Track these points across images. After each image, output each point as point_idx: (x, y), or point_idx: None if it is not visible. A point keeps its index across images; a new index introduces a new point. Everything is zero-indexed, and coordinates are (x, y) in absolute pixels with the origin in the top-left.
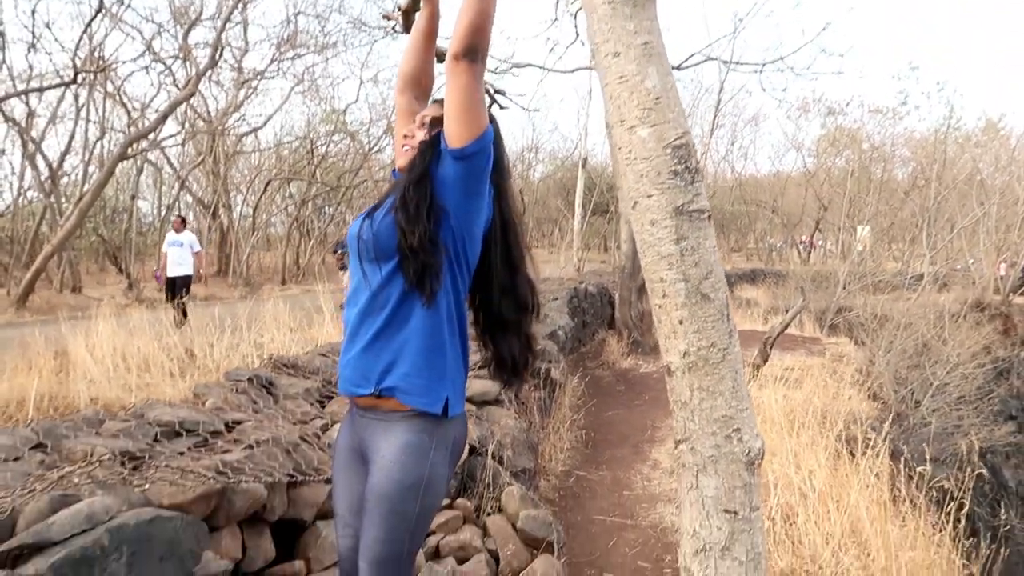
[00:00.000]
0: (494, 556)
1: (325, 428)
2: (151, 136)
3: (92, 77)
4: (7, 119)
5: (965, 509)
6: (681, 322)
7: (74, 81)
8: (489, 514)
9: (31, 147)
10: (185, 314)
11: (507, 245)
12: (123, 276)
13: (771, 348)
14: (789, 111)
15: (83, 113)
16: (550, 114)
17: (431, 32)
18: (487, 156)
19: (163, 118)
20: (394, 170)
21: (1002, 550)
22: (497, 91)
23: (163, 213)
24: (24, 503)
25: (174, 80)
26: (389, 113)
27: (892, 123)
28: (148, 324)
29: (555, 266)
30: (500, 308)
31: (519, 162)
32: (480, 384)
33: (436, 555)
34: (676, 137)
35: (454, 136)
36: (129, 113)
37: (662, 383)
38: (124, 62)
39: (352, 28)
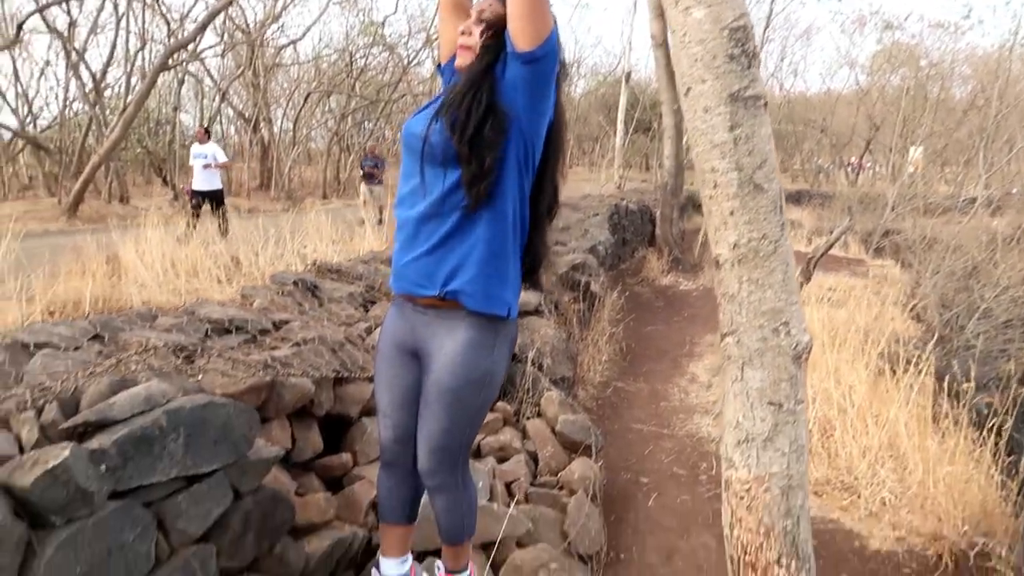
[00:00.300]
0: (533, 457)
1: (369, 331)
2: (190, 47)
3: None
4: (50, 28)
5: (1007, 426)
6: (732, 213)
7: None
8: (528, 418)
9: (74, 57)
10: (226, 231)
11: (557, 148)
12: (168, 188)
13: (814, 268)
14: (844, 25)
15: (123, 23)
16: (593, 27)
17: None
18: (554, 58)
19: (202, 27)
20: (439, 65)
21: None
22: None
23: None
24: (86, 385)
25: None
26: (428, 25)
27: (953, 39)
28: (195, 233)
29: (595, 184)
30: (537, 208)
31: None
32: (520, 294)
33: (477, 454)
34: (733, 19)
35: (522, 38)
36: (168, 23)
37: (702, 300)
38: None
39: None
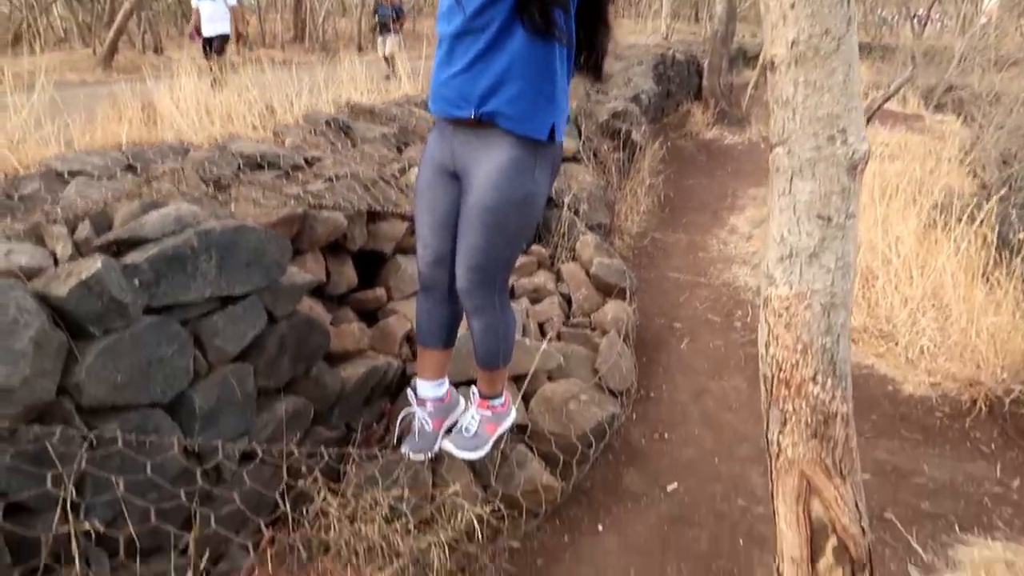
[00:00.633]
0: (566, 299)
1: (403, 171)
2: None
3: None
4: None
5: None
6: (792, 6)
7: None
8: (563, 262)
9: None
10: (222, 82)
11: None
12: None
13: (870, 121)
14: None
15: None
16: None
17: None
18: None
19: None
20: None
21: None
22: None
23: None
24: (118, 207)
25: None
26: None
27: None
28: (229, 81)
29: (641, 35)
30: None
31: None
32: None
33: (511, 295)
34: None
35: None
36: None
37: (747, 154)
38: None
39: None
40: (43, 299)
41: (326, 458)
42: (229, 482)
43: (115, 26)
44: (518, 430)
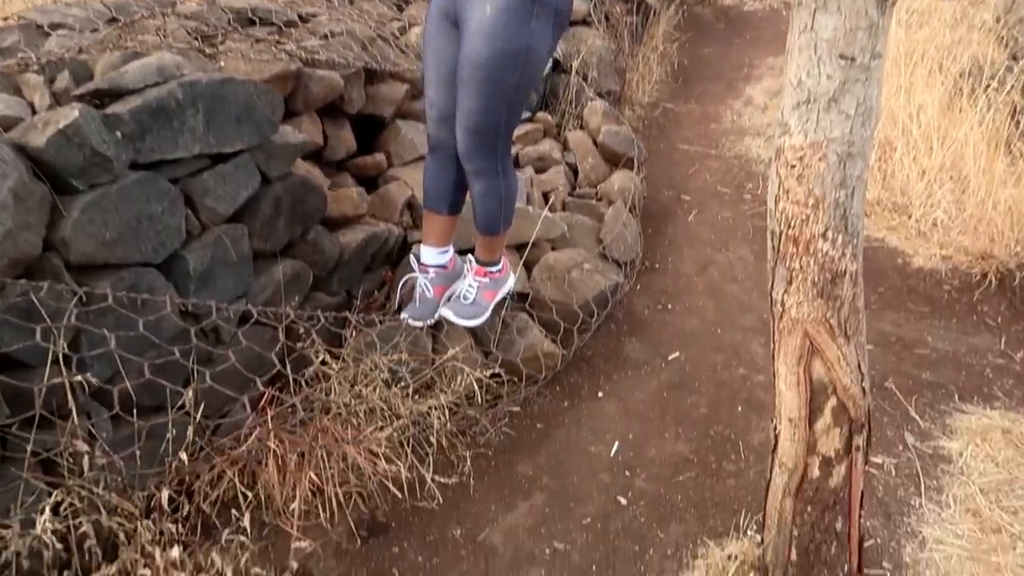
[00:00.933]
0: (572, 169)
1: (403, 30)
2: None
3: None
4: None
5: None
6: None
7: None
8: (570, 130)
9: None
10: None
11: None
12: None
13: None
14: None
15: None
16: None
17: None
18: None
19: None
20: None
21: None
22: None
23: None
24: (99, 58)
25: None
26: None
27: None
28: None
29: None
30: None
31: None
32: None
33: (515, 164)
34: None
35: None
36: None
37: (767, 21)
38: None
39: None
40: (21, 150)
41: (322, 321)
42: (228, 343)
43: None
44: (519, 298)
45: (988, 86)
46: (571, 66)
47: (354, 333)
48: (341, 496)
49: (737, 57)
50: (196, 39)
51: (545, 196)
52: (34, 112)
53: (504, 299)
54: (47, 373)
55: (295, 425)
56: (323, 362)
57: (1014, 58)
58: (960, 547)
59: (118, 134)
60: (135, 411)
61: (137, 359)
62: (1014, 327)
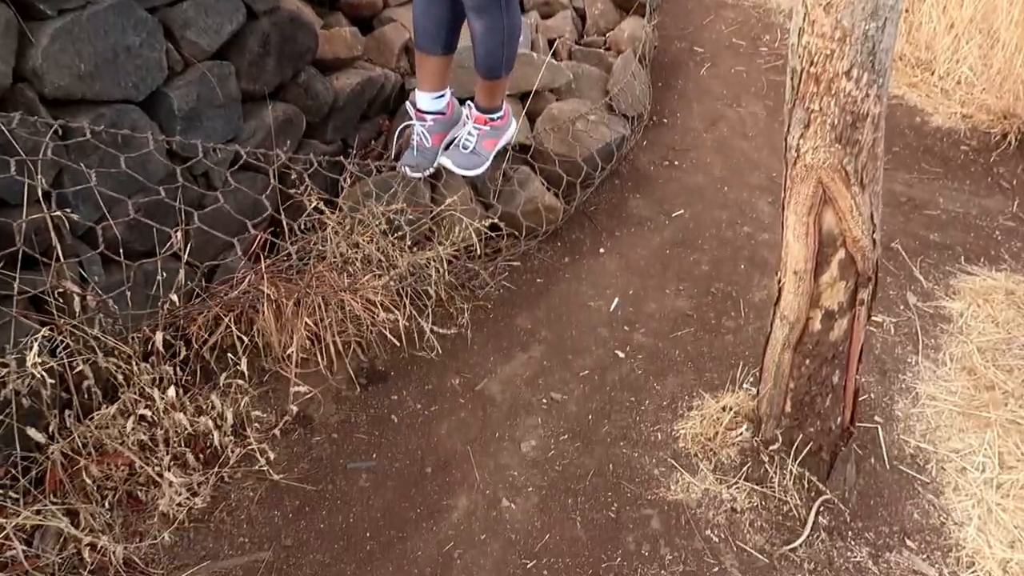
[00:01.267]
0: (580, 15)
1: None
2: None
3: None
4: None
5: None
6: None
7: None
8: None
9: None
10: None
11: None
12: None
13: None
14: None
15: None
16: None
17: None
18: None
19: None
20: None
21: None
22: None
23: None
24: None
25: None
26: None
27: None
28: None
29: None
30: None
31: None
32: None
33: (520, 9)
34: None
35: None
36: None
37: None
38: None
39: None
40: None
41: (315, 164)
42: (219, 188)
43: None
44: (521, 149)
45: None
46: None
47: (350, 181)
48: (340, 345)
49: None
50: None
51: (550, 44)
52: None
53: (505, 149)
54: (26, 210)
55: (291, 273)
56: (318, 210)
57: None
58: (952, 403)
59: None
60: (123, 252)
61: (124, 199)
62: None
